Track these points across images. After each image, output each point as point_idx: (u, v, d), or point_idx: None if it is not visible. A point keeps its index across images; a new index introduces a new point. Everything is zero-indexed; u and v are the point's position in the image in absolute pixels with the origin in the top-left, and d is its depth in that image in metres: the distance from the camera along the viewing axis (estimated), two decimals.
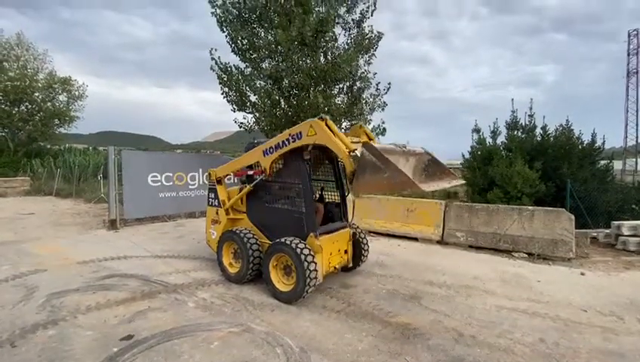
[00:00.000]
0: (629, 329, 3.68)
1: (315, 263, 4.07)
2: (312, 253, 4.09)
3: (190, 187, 9.88)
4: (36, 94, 21.78)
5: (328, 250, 4.46)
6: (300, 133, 4.18)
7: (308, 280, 3.97)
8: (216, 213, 5.38)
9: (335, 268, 4.70)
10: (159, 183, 9.26)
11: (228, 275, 4.92)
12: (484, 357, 3.12)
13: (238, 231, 4.80)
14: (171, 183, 9.50)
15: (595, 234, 7.64)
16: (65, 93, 22.99)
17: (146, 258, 6.09)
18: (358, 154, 3.68)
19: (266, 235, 4.83)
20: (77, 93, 23.27)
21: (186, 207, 9.93)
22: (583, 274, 5.52)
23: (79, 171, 17.67)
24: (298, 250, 4.03)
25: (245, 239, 4.66)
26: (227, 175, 5.44)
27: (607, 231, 7.47)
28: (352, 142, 4.07)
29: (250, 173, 4.94)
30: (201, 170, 10.04)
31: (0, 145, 21.68)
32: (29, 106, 21.93)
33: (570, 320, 3.87)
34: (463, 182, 4.16)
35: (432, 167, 4.30)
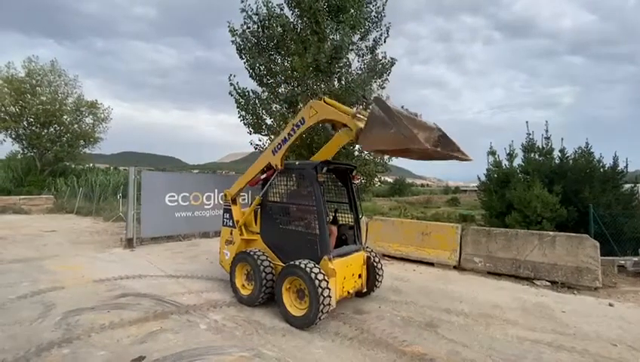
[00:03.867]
0: None
1: (329, 288, 3.99)
2: (325, 277, 4.02)
3: (206, 207, 10.03)
4: (65, 117, 23.01)
5: (342, 274, 4.37)
6: (303, 118, 4.47)
7: (321, 306, 3.89)
8: (231, 234, 5.42)
9: (349, 292, 4.60)
10: (176, 203, 9.45)
11: (240, 297, 4.88)
12: None
13: (251, 253, 4.80)
14: (187, 203, 9.67)
15: (623, 262, 7.23)
16: (91, 116, 24.21)
17: (160, 277, 6.14)
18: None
19: (279, 257, 4.80)
20: (102, 115, 24.48)
21: (200, 227, 10.04)
22: (611, 304, 5.21)
23: (100, 190, 18.26)
24: (312, 274, 3.97)
25: (259, 261, 4.64)
26: (241, 190, 5.51)
27: (636, 259, 7.07)
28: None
29: (264, 176, 5.03)
30: (216, 191, 10.20)
31: (28, 165, 22.76)
32: (58, 128, 23.13)
33: (599, 354, 3.63)
34: (471, 159, 4.18)
35: (442, 142, 4.10)
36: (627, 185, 9.99)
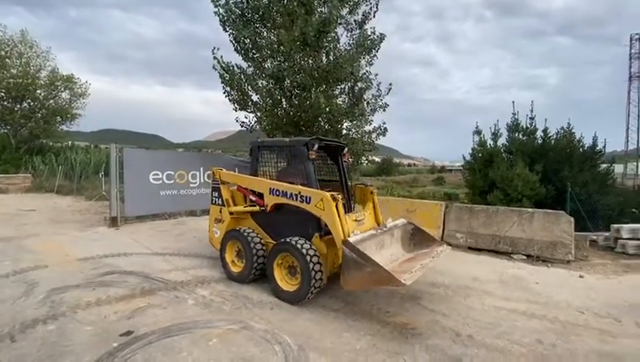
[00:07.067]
0: (627, 332, 3.69)
1: (321, 264, 4.04)
2: (317, 254, 4.07)
3: (191, 185, 9.91)
4: (38, 91, 21.81)
5: (333, 251, 4.33)
6: (310, 198, 4.19)
7: (313, 281, 3.95)
8: (220, 212, 5.34)
9: (340, 268, 4.67)
10: (160, 181, 9.30)
11: (231, 274, 4.90)
12: (481, 357, 3.14)
13: (242, 231, 4.77)
14: (172, 181, 9.53)
15: (595, 237, 7.63)
16: (67, 91, 23.03)
17: (146, 255, 6.11)
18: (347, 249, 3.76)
19: (270, 235, 4.80)
20: (79, 90, 23.31)
21: (186, 205, 9.96)
22: (581, 276, 5.53)
23: (80, 169, 17.71)
24: (304, 251, 4.01)
25: (250, 239, 4.64)
26: (229, 184, 5.35)
27: (607, 234, 7.46)
28: (356, 220, 4.45)
29: (253, 199, 4.90)
30: (202, 169, 10.07)
31: (2, 142, 21.71)
32: (32, 103, 21.95)
33: (567, 321, 3.88)
34: (449, 248, 4.82)
35: (417, 234, 4.79)
36: (604, 165, 10.38)
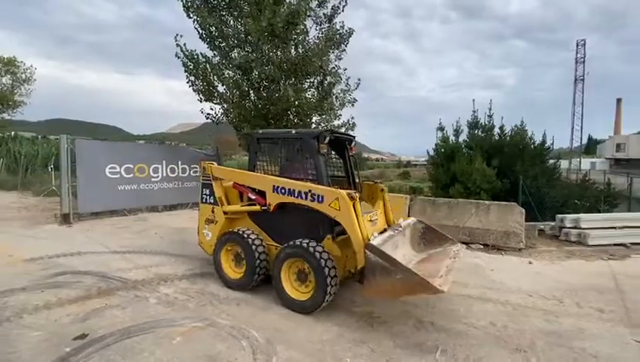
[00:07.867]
0: (568, 312, 4.07)
1: (336, 269, 3.70)
2: (331, 258, 3.71)
3: (153, 179, 9.44)
4: None
5: (345, 253, 3.96)
6: (323, 197, 3.73)
7: (329, 287, 3.57)
8: (212, 212, 4.75)
9: (350, 271, 4.03)
10: (118, 175, 8.78)
11: (228, 281, 4.41)
12: (441, 341, 3.31)
13: (241, 233, 4.30)
14: (132, 175, 9.03)
15: (542, 226, 8.30)
16: (9, 76, 20.90)
17: (103, 254, 5.76)
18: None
19: (272, 237, 4.37)
20: (23, 75, 21.25)
21: (148, 201, 9.48)
22: (530, 262, 6.01)
23: (26, 162, 16.21)
24: (322, 258, 3.63)
25: (251, 242, 4.18)
26: (222, 180, 4.83)
27: (553, 223, 8.14)
28: (371, 220, 4.12)
29: (253, 197, 4.41)
30: (164, 162, 9.63)
31: None
32: None
33: (518, 304, 4.21)
34: (464, 246, 4.78)
35: (428, 233, 4.65)
36: (551, 161, 11.30)
